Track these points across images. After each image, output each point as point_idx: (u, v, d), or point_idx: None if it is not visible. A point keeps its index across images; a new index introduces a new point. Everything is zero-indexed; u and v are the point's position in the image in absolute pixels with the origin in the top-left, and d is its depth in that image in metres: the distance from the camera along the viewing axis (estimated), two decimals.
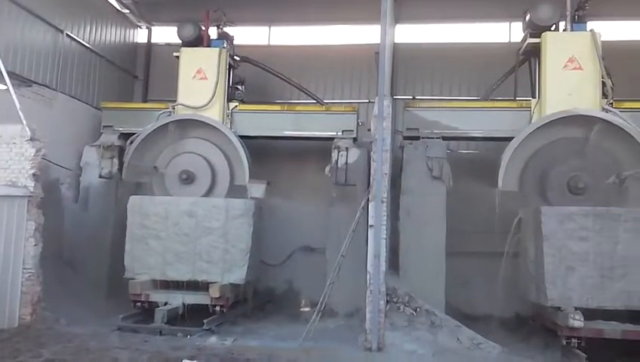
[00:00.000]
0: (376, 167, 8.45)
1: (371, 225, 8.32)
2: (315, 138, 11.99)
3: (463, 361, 8.01)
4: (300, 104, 13.25)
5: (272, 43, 15.08)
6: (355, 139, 11.53)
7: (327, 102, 13.05)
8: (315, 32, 14.98)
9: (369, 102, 13.05)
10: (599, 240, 8.49)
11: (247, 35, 14.53)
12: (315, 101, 12.94)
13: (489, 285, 10.17)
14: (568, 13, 10.70)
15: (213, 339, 8.54)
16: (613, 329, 8.12)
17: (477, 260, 10.86)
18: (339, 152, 11.08)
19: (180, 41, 12.12)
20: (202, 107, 11.65)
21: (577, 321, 7.98)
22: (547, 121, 10.14)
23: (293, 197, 12.54)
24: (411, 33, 14.66)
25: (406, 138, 11.16)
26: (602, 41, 10.55)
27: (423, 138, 10.75)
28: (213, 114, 11.70)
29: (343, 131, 11.55)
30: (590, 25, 10.78)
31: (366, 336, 8.08)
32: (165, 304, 9.54)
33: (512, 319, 10.36)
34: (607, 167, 9.84)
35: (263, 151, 12.49)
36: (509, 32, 13.90)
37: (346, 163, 10.99)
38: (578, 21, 10.79)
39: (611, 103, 10.36)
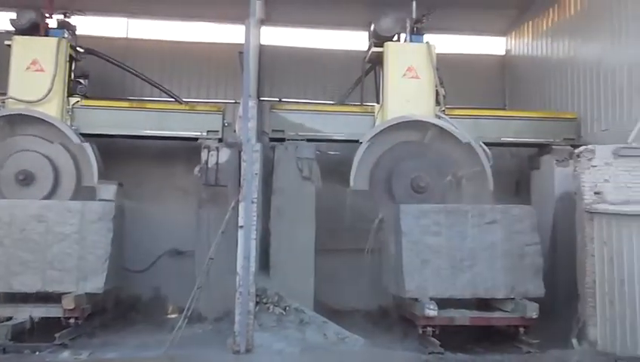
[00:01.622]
0: (246, 168, 8.39)
1: (241, 226, 8.23)
2: (178, 138, 11.52)
3: (328, 356, 8.25)
4: (159, 102, 12.62)
5: (130, 36, 14.26)
6: (220, 140, 11.31)
7: (191, 101, 12.69)
8: (179, 27, 14.47)
9: (235, 102, 12.93)
10: (450, 235, 9.20)
11: (103, 26, 13.61)
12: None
13: (356, 280, 10.62)
14: (408, 25, 11.58)
15: (65, 355, 7.84)
16: (462, 317, 8.87)
17: (345, 257, 11.18)
18: (209, 152, 10.76)
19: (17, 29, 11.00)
20: (37, 101, 10.64)
21: (432, 311, 8.55)
22: (387, 125, 10.91)
23: (161, 199, 11.96)
24: (279, 35, 14.82)
25: (272, 140, 11.26)
26: (437, 53, 11.55)
27: (288, 140, 10.95)
28: (51, 109, 10.74)
29: (208, 131, 11.26)
30: (427, 37, 11.75)
31: (234, 339, 7.97)
32: (10, 319, 8.52)
33: (375, 312, 10.85)
34: (445, 168, 10.86)
35: (124, 151, 11.76)
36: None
37: (217, 163, 10.70)
38: (416, 33, 11.71)
39: (444, 110, 11.38)
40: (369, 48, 11.91)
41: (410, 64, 11.29)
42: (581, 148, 9.36)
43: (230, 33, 14.22)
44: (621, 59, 10.71)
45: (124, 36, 14.22)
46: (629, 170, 8.91)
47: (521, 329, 8.85)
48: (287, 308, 9.12)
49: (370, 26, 11.82)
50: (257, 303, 8.70)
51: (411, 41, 11.63)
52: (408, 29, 11.62)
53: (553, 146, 11.44)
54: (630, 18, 10.46)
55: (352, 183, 10.55)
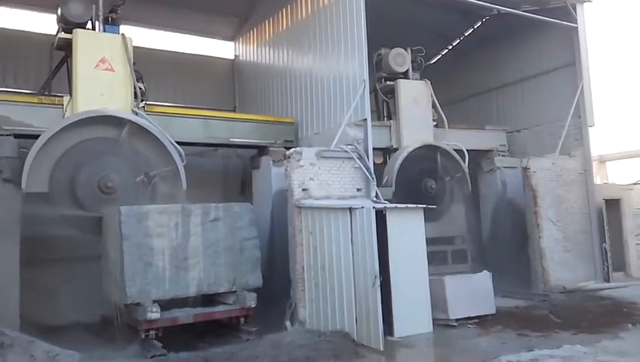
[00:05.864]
0: None
1: None
2: None
3: None
4: None
5: None
6: None
7: None
8: None
9: None
10: (174, 235, 9.14)
11: None
12: None
13: (74, 292, 9.78)
14: (101, 13, 10.91)
15: None
16: (185, 315, 8.98)
17: (63, 267, 10.16)
18: None
19: None
20: None
21: (154, 313, 8.44)
22: (74, 120, 10.05)
23: None
24: None
25: None
26: (139, 47, 11.27)
27: None
28: None
29: None
30: (123, 29, 11.27)
31: None
32: None
33: (97, 323, 10.17)
34: (137, 167, 10.47)
35: None
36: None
37: None
38: (112, 23, 11.13)
39: (144, 106, 11.13)
40: (57, 33, 10.75)
41: (104, 55, 10.60)
42: (291, 150, 10.44)
43: None
44: (327, 72, 12.29)
45: None
46: (329, 169, 10.31)
47: (242, 319, 9.42)
48: None
49: (57, 9, 10.72)
50: None
51: (105, 30, 10.91)
52: (101, 18, 10.86)
53: (270, 148, 12.43)
54: (329, 38, 12.09)
55: (23, 184, 9.30)
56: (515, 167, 13.65)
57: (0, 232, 9.07)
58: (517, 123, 15.10)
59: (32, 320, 9.20)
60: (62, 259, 9.86)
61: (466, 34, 16.60)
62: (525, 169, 12.95)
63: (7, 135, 9.64)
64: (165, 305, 8.85)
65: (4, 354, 7.76)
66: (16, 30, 13.38)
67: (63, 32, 10.56)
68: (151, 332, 8.57)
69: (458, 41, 16.97)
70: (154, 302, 8.65)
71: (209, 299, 9.64)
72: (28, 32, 13.54)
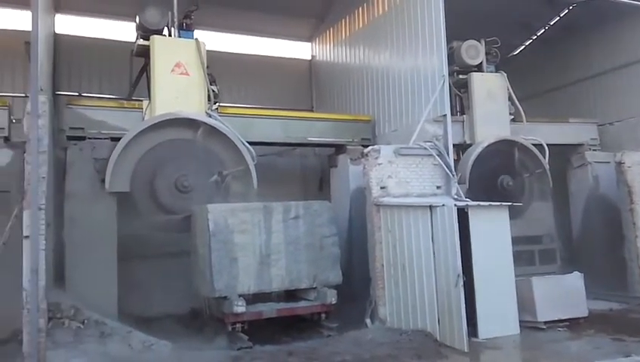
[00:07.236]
0: (32, 171, 7.61)
1: (27, 236, 7.43)
2: None
3: None
4: None
5: None
6: (7, 139, 10.08)
7: None
8: None
9: (25, 96, 11.63)
10: (258, 232, 9.45)
11: None
12: None
13: (166, 286, 10.34)
14: (175, 20, 11.17)
15: None
16: (270, 310, 9.26)
17: (155, 262, 10.77)
18: None
19: None
20: None
21: (240, 307, 8.78)
22: (152, 123, 10.34)
23: None
24: (76, 24, 13.83)
25: (70, 138, 10.39)
26: (211, 51, 11.47)
27: (89, 138, 10.20)
28: None
29: None
30: (201, 34, 11.51)
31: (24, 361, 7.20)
32: None
33: (187, 315, 10.69)
34: (211, 167, 10.64)
35: None
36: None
37: None
38: (186, 29, 11.37)
39: (217, 108, 11.29)
40: (136, 41, 11.17)
41: (179, 60, 10.86)
42: (369, 148, 10.43)
43: (18, 19, 12.79)
44: (404, 68, 12.15)
45: None
46: (408, 166, 10.19)
47: (323, 315, 9.56)
48: (86, 322, 8.51)
49: (136, 18, 11.12)
50: (50, 319, 7.99)
51: (180, 36, 11.21)
52: (176, 24, 11.17)
53: (348, 146, 12.48)
54: (407, 34, 11.94)
55: (107, 185, 9.76)
56: (608, 162, 12.81)
57: (99, 230, 9.76)
58: (609, 115, 14.17)
59: (129, 312, 9.86)
60: (154, 255, 10.46)
61: (552, 23, 15.79)
62: (619, 164, 12.10)
63: (104, 138, 10.34)
64: (250, 299, 9.17)
65: (105, 342, 8.39)
66: (96, 38, 14.15)
67: (141, 39, 11.04)
68: (237, 325, 8.90)
69: (543, 30, 16.17)
70: (239, 296, 8.98)
71: (290, 295, 9.87)
72: (108, 39, 14.23)
